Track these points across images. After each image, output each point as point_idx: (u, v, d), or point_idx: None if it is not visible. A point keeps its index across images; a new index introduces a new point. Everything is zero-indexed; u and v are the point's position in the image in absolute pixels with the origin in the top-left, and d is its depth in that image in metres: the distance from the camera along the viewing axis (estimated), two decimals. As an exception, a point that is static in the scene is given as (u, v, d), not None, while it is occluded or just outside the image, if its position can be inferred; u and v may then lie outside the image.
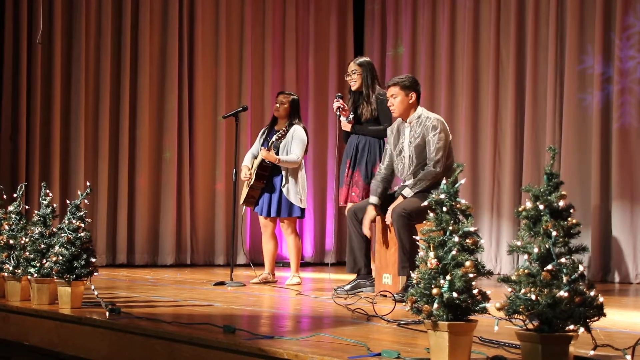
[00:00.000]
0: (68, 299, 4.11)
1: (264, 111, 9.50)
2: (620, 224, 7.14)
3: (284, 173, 6.29)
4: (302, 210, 6.35)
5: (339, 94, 6.03)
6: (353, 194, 5.74)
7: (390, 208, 5.11)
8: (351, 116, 5.86)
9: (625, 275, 7.08)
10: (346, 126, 5.87)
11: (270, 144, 6.23)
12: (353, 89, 5.88)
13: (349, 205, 5.66)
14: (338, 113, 5.91)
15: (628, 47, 7.27)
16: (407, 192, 5.11)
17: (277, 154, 6.24)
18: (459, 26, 8.73)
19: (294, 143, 6.27)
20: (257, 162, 6.35)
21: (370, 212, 5.25)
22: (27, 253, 4.41)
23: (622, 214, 7.14)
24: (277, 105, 6.46)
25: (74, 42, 8.40)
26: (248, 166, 6.45)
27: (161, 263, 8.76)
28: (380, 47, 9.77)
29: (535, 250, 2.38)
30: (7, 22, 8.00)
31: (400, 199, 5.12)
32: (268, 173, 6.31)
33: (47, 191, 4.58)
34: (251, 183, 6.33)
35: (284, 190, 6.26)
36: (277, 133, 6.25)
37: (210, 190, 9.23)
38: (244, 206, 6.62)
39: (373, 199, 5.29)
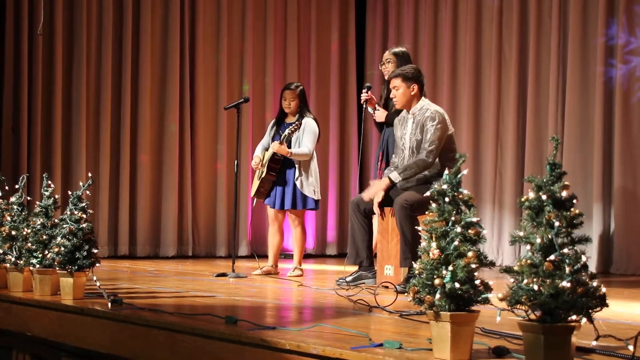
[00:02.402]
0: (70, 289, 4.12)
1: (265, 102, 9.48)
2: (623, 215, 7.13)
3: (297, 166, 6.27)
4: (317, 202, 6.34)
5: (368, 85, 5.96)
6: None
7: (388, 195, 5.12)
8: (371, 110, 5.82)
9: (628, 266, 7.08)
10: (380, 117, 5.81)
11: (282, 137, 6.17)
12: (387, 78, 5.86)
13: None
14: (364, 105, 5.87)
15: (631, 38, 7.25)
16: (395, 176, 5.12)
17: (289, 146, 6.21)
18: (462, 17, 8.71)
19: (306, 135, 6.24)
20: (268, 154, 6.32)
21: (384, 181, 5.20)
22: (29, 244, 4.41)
23: (625, 205, 7.13)
24: (287, 102, 6.39)
25: (75, 33, 8.39)
26: (259, 156, 6.43)
27: (163, 254, 8.76)
28: (382, 37, 9.75)
29: (538, 240, 2.37)
30: (8, 13, 7.98)
31: (385, 180, 5.12)
32: (279, 166, 6.29)
33: (49, 182, 4.58)
34: (262, 175, 6.30)
35: (297, 183, 6.25)
36: (291, 126, 6.18)
37: (212, 184, 9.22)
38: (255, 198, 6.59)
39: (388, 172, 5.34)
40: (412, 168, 5.10)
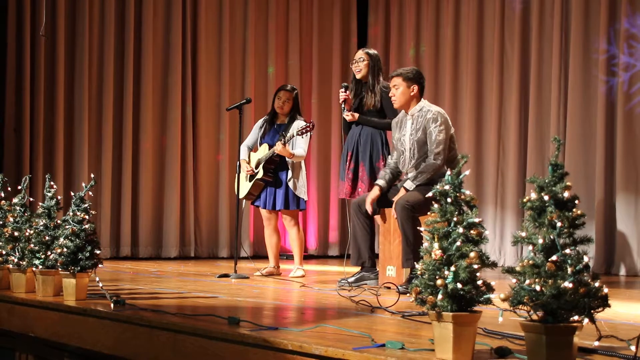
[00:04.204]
0: (73, 290, 4.12)
1: (267, 102, 9.49)
2: (624, 216, 7.13)
3: (289, 167, 6.29)
4: (305, 202, 6.38)
5: (345, 84, 5.95)
6: (359, 189, 5.71)
7: (395, 199, 5.11)
8: (346, 111, 5.82)
9: (630, 267, 7.08)
10: (352, 118, 5.82)
11: (288, 137, 6.17)
12: (358, 76, 5.85)
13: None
14: (343, 105, 5.87)
15: (634, 36, 7.25)
16: (409, 184, 5.11)
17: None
18: (463, 18, 8.72)
19: (300, 138, 6.26)
20: (262, 155, 6.31)
21: (374, 192, 5.24)
22: (32, 245, 4.42)
23: (627, 206, 7.13)
24: (281, 102, 6.40)
25: (77, 35, 8.41)
26: (246, 160, 6.44)
27: (165, 255, 8.77)
28: (384, 39, 9.75)
29: (540, 241, 2.37)
30: (10, 14, 8.00)
31: (402, 192, 5.12)
32: (275, 167, 6.30)
33: (52, 183, 4.58)
34: (258, 177, 6.30)
35: (290, 184, 6.27)
36: (299, 129, 6.13)
37: (214, 185, 9.23)
38: (245, 200, 6.61)
39: (380, 181, 5.31)
40: (424, 173, 5.08)
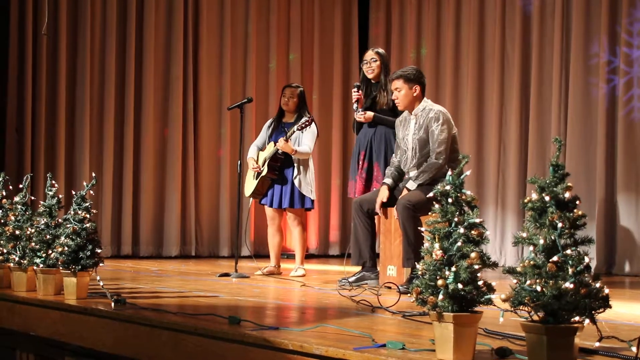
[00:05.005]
0: (74, 289, 4.12)
1: (268, 98, 9.49)
2: (625, 217, 7.13)
3: (295, 165, 6.28)
4: (312, 201, 6.35)
5: (358, 84, 5.95)
6: (373, 189, 5.70)
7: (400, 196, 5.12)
8: (360, 112, 5.83)
9: (631, 267, 7.07)
10: (367, 119, 5.81)
11: (290, 133, 6.17)
12: (370, 76, 5.86)
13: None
14: (356, 106, 5.87)
15: (635, 37, 7.24)
16: (411, 184, 5.12)
17: None
18: (464, 18, 8.71)
19: (306, 135, 6.25)
20: (268, 153, 6.31)
21: (384, 192, 5.24)
22: (33, 244, 4.42)
23: (628, 207, 7.13)
24: (286, 99, 6.41)
25: (79, 33, 8.41)
26: (254, 158, 6.44)
27: (166, 254, 8.77)
28: (385, 39, 9.74)
29: (541, 241, 2.38)
30: (12, 13, 7.99)
31: (404, 192, 5.12)
32: (280, 164, 6.30)
33: (53, 182, 4.59)
34: (263, 174, 6.30)
35: (296, 181, 6.25)
36: (300, 123, 6.14)
37: (215, 183, 9.23)
38: (251, 198, 6.60)
39: (387, 179, 5.32)
40: (426, 172, 5.09)
